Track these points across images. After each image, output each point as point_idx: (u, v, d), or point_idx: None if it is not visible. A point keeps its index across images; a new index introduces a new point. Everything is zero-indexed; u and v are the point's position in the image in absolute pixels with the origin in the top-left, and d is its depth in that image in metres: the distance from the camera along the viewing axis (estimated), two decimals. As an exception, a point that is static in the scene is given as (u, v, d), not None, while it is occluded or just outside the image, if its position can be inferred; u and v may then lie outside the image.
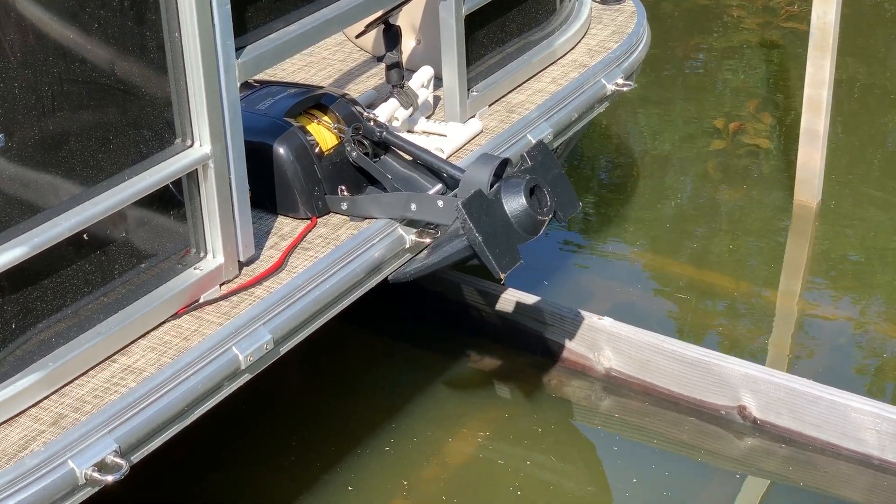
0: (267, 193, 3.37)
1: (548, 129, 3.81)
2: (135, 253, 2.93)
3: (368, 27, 3.72)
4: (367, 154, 3.43)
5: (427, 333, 4.29)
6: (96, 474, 2.59)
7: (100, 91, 2.74)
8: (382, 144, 3.45)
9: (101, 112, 2.76)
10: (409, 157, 3.47)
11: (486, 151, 3.52)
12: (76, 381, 2.80)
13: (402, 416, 3.91)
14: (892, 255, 4.71)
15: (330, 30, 3.32)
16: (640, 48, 4.29)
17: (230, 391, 2.93)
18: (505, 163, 3.25)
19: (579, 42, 4.28)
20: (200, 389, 2.84)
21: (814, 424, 3.69)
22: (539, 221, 3.13)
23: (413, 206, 3.29)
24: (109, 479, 2.60)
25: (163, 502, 3.62)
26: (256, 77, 3.49)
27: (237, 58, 2.99)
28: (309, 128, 3.42)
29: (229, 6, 2.90)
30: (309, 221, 3.37)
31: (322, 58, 4.29)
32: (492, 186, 3.16)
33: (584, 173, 5.42)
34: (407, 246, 3.35)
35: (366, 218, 3.37)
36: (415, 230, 3.35)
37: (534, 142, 3.65)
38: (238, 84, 3.01)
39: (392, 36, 3.69)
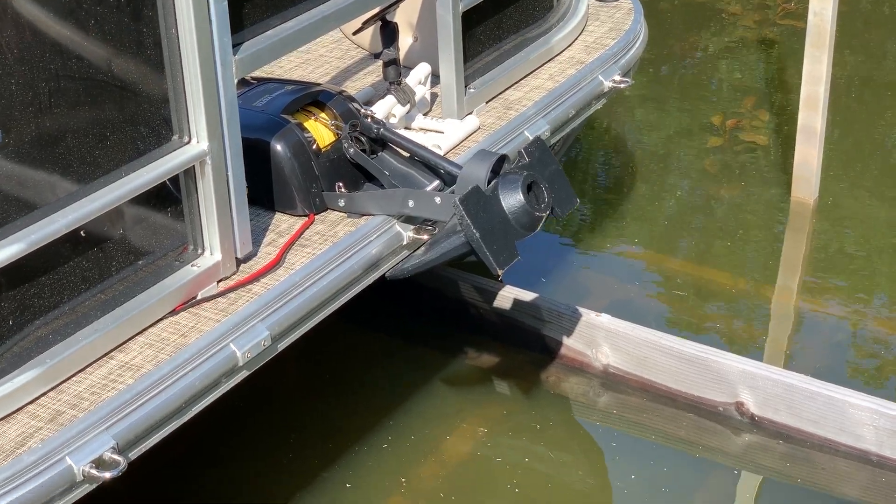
0: (264, 190, 3.37)
1: (545, 126, 3.81)
2: (132, 250, 2.93)
3: (365, 24, 3.72)
4: (364, 151, 3.43)
5: (425, 331, 4.29)
6: (94, 471, 2.59)
7: (97, 88, 2.74)
8: (380, 141, 3.45)
9: (98, 109, 2.75)
10: (406, 154, 3.48)
11: (484, 148, 3.52)
12: (74, 378, 2.80)
13: (400, 414, 3.91)
14: (889, 251, 4.71)
15: (327, 26, 3.32)
16: (637, 45, 4.29)
17: (228, 388, 2.94)
18: (502, 159, 3.25)
19: (576, 39, 4.28)
20: (198, 386, 2.84)
21: (811, 420, 3.69)
22: (536, 218, 3.13)
23: (410, 203, 3.29)
24: (107, 475, 2.60)
25: (160, 499, 3.62)
26: (254, 74, 3.50)
27: (234, 54, 2.99)
28: (306, 125, 3.42)
29: (226, 2, 2.90)
30: (306, 218, 3.37)
31: (319, 55, 4.29)
32: (489, 183, 3.16)
33: (581, 170, 5.42)
34: (404, 243, 3.35)
35: (363, 215, 3.37)
36: (412, 227, 3.35)
37: (531, 138, 3.65)
38: (235, 81, 3.01)
39: (389, 33, 3.69)
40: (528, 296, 4.11)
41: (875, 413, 3.59)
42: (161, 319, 2.98)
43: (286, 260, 3.21)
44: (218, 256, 3.08)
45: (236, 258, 3.14)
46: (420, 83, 3.83)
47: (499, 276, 3.10)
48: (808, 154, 4.87)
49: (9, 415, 2.69)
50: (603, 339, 3.99)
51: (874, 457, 3.62)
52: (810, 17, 4.64)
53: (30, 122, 2.61)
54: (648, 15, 4.59)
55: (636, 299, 4.48)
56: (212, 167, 2.98)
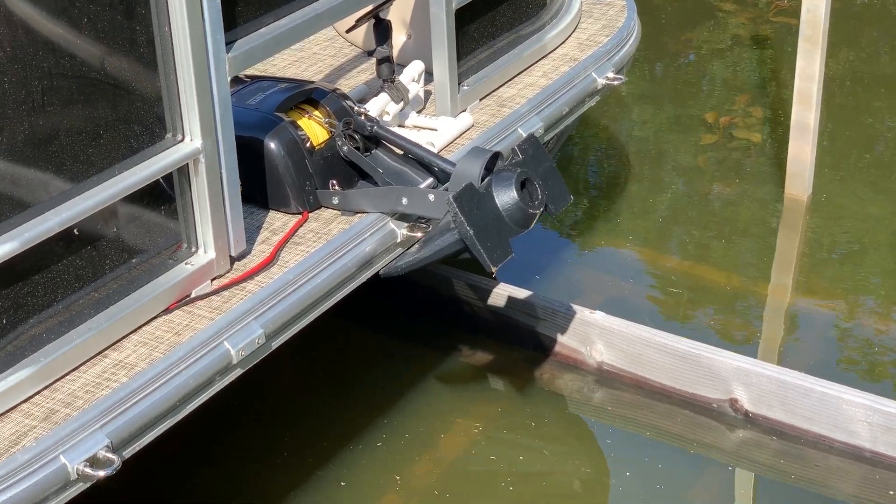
0: (258, 188, 3.36)
1: (539, 123, 3.81)
2: (126, 248, 2.92)
3: (359, 22, 3.72)
4: (358, 148, 3.43)
5: (419, 328, 4.29)
6: (88, 469, 2.58)
7: (90, 86, 2.74)
8: (373, 139, 3.45)
9: (91, 107, 2.75)
10: (400, 152, 3.47)
11: (477, 145, 3.51)
12: (67, 377, 2.79)
13: (395, 412, 3.91)
14: (882, 247, 4.72)
15: (320, 24, 3.32)
16: (630, 42, 4.29)
17: (222, 386, 2.93)
18: (496, 156, 3.25)
19: (570, 36, 4.28)
20: (192, 384, 2.83)
21: (805, 417, 3.69)
22: (530, 215, 3.13)
23: (404, 200, 3.29)
24: (101, 474, 2.60)
25: (155, 497, 3.62)
26: (247, 72, 3.49)
27: (227, 52, 2.99)
28: (300, 122, 3.42)
29: (219, 0, 2.89)
30: (300, 216, 3.36)
31: (313, 53, 4.29)
32: (483, 180, 3.16)
33: (575, 167, 5.42)
34: (398, 240, 3.35)
35: (357, 212, 3.37)
36: (406, 224, 3.35)
37: (525, 135, 3.65)
38: (228, 78, 3.00)
39: (382, 30, 3.68)
40: (522, 293, 4.11)
41: (869, 409, 3.60)
42: (155, 318, 2.98)
43: (280, 258, 3.21)
44: (212, 254, 3.07)
45: (230, 256, 3.14)
46: (414, 81, 3.83)
47: (493, 273, 3.10)
48: (802, 150, 4.87)
49: (3, 413, 2.68)
50: (597, 336, 3.99)
51: (868, 453, 3.62)
52: (803, 13, 4.64)
53: (23, 120, 2.61)
54: (642, 12, 4.59)
55: (630, 296, 4.49)
56: (205, 165, 2.97)
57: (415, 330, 4.28)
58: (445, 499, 3.62)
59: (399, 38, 4.04)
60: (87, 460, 2.59)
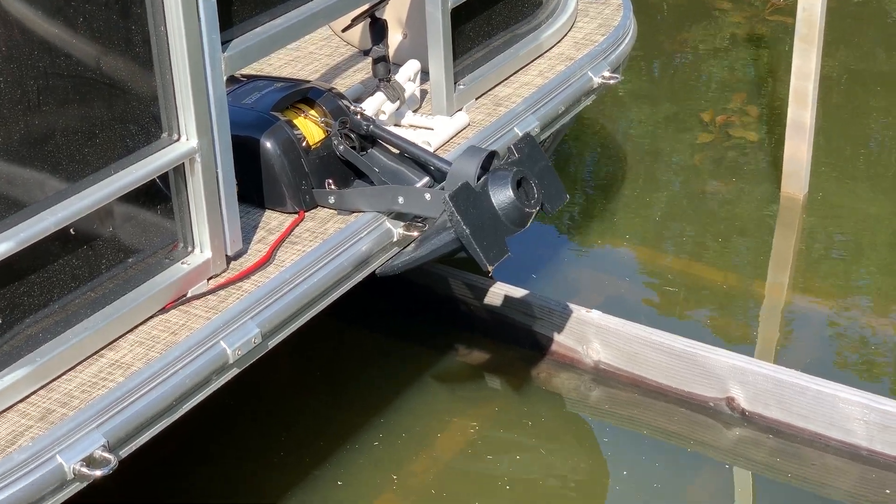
0: (254, 188, 3.36)
1: (535, 122, 3.82)
2: (122, 247, 2.92)
3: (354, 21, 3.72)
4: (354, 148, 3.43)
5: (415, 328, 4.29)
6: (85, 469, 2.58)
7: (86, 85, 2.74)
8: (369, 138, 3.45)
9: (87, 106, 2.75)
10: (396, 151, 3.48)
11: (474, 144, 3.52)
12: (64, 376, 2.79)
13: (391, 411, 3.91)
14: (879, 246, 4.72)
15: (316, 23, 3.32)
16: (626, 41, 4.30)
17: (218, 385, 2.93)
18: (492, 155, 3.25)
19: (566, 35, 4.29)
20: (188, 384, 2.83)
21: (801, 415, 3.70)
22: (526, 213, 3.13)
23: (400, 200, 3.29)
24: (98, 473, 2.60)
25: (151, 497, 3.62)
26: (243, 71, 3.49)
27: (223, 52, 2.99)
28: (296, 122, 3.42)
29: (215, 0, 2.89)
30: (296, 215, 3.36)
31: (309, 52, 4.29)
32: (479, 179, 3.17)
33: (572, 167, 5.42)
34: (394, 239, 3.35)
35: (353, 211, 3.37)
36: (402, 223, 3.35)
37: (521, 134, 3.65)
38: (224, 78, 3.00)
39: (378, 30, 3.69)
40: (518, 292, 4.11)
41: (865, 407, 3.60)
42: (151, 317, 2.98)
43: (276, 257, 3.21)
44: (208, 254, 3.07)
45: (226, 256, 3.14)
46: (409, 80, 3.83)
47: (489, 272, 3.10)
48: (798, 149, 4.88)
49: (-1, 413, 2.69)
50: (593, 335, 3.99)
51: (864, 451, 3.63)
52: (799, 12, 4.65)
53: (18, 119, 2.61)
54: (638, 11, 4.59)
55: (627, 295, 4.49)
56: (201, 164, 2.97)
57: (411, 329, 4.28)
58: (442, 498, 3.62)
59: (395, 37, 4.04)
60: (83, 460, 2.59)
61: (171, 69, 2.88)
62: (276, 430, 3.84)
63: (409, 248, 3.29)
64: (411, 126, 3.79)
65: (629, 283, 4.56)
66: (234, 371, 2.96)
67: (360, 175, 3.46)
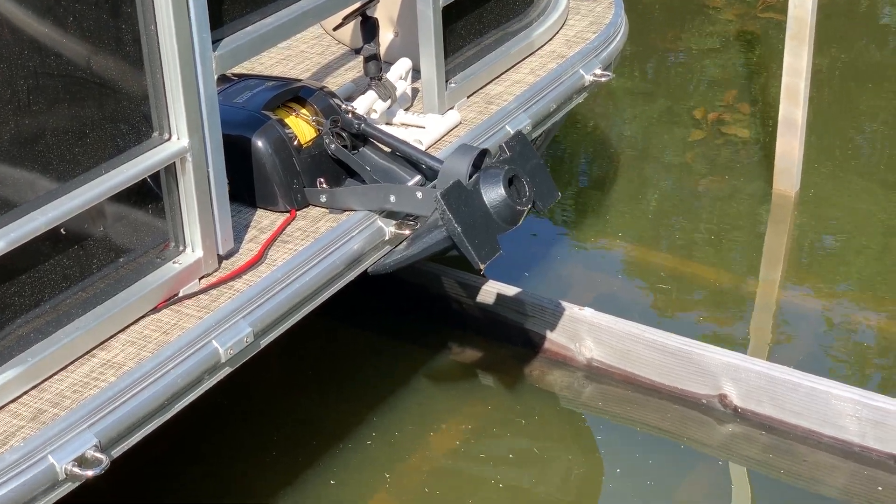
0: (246, 187, 3.36)
1: (526, 120, 3.81)
2: (113, 247, 2.92)
3: (346, 19, 3.72)
4: (345, 146, 3.43)
5: (408, 326, 4.29)
6: (76, 469, 2.58)
7: (76, 85, 2.73)
8: (361, 136, 3.45)
9: (78, 106, 2.74)
10: (387, 149, 3.47)
11: (465, 142, 3.52)
12: (55, 376, 2.78)
13: (384, 410, 3.91)
14: (870, 242, 4.73)
15: (306, 22, 3.31)
16: (617, 39, 4.30)
17: (210, 385, 2.92)
18: (483, 153, 3.25)
19: (557, 33, 4.29)
20: (180, 383, 2.83)
21: (794, 412, 3.70)
22: (518, 211, 3.13)
23: (392, 198, 3.28)
24: (90, 473, 2.59)
25: (143, 497, 3.61)
26: (234, 70, 3.49)
27: (214, 50, 2.98)
28: (287, 121, 3.42)
29: (205, -1, 2.89)
30: (288, 214, 3.36)
31: (300, 51, 4.29)
32: (470, 177, 3.16)
33: (564, 164, 5.42)
34: (386, 238, 3.34)
35: (345, 210, 3.37)
36: (394, 222, 3.35)
37: (512, 132, 3.65)
38: (215, 77, 3.00)
39: (369, 28, 3.68)
40: (511, 290, 4.11)
41: (857, 404, 3.60)
42: (143, 317, 2.97)
43: (268, 256, 3.20)
44: (199, 253, 3.07)
45: (218, 255, 3.13)
46: (401, 78, 3.82)
47: (481, 270, 3.11)
48: (790, 146, 4.88)
49: (-10, 414, 2.69)
50: (586, 332, 3.99)
51: (857, 447, 3.63)
52: (790, 9, 4.65)
53: (8, 119, 2.60)
54: (629, 9, 4.60)
55: (619, 293, 4.49)
56: (192, 164, 2.97)
57: (403, 328, 4.28)
58: (435, 496, 3.62)
59: (386, 35, 4.04)
60: (75, 460, 2.59)
61: (161, 68, 2.87)
62: (268, 429, 3.84)
63: (401, 247, 3.29)
64: (403, 124, 3.78)
65: (622, 280, 4.57)
66: (227, 370, 2.96)
67: (352, 174, 3.46)
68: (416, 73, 3.86)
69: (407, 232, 3.33)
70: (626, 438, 3.82)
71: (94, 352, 2.86)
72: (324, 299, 3.21)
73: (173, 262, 3.04)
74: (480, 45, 3.99)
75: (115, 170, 2.83)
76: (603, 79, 4.11)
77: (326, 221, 3.35)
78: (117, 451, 2.70)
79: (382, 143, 3.46)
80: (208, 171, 3.02)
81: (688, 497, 3.62)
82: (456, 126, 3.78)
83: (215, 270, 3.13)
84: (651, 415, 3.87)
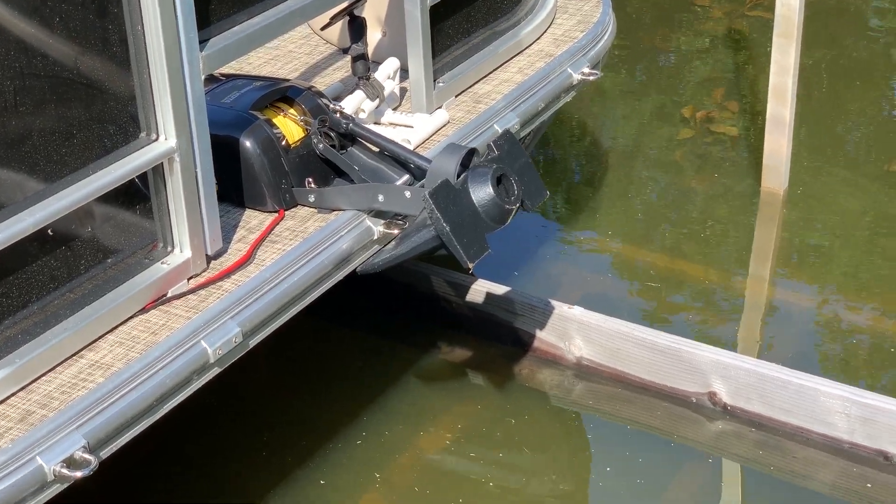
0: (234, 187, 3.35)
1: (514, 119, 3.82)
2: (101, 248, 2.91)
3: (333, 19, 3.72)
4: (333, 146, 3.43)
5: (397, 326, 4.29)
6: (65, 470, 2.57)
7: (62, 85, 2.72)
8: (349, 136, 3.45)
9: (64, 107, 2.74)
10: (375, 149, 3.47)
11: (453, 142, 3.52)
12: (43, 378, 2.78)
13: (374, 409, 3.90)
14: (858, 240, 4.73)
15: (293, 22, 3.31)
16: (605, 37, 4.30)
17: (199, 385, 2.92)
18: (472, 153, 3.25)
19: (545, 32, 4.29)
20: (169, 384, 2.82)
21: (784, 409, 3.70)
22: (506, 210, 3.14)
23: (380, 198, 3.28)
24: (78, 475, 2.59)
25: (133, 498, 3.60)
26: (222, 70, 3.48)
27: (201, 50, 2.98)
28: (275, 121, 3.41)
29: (192, -1, 2.89)
30: (276, 214, 3.36)
31: (288, 51, 4.28)
32: (459, 176, 3.16)
33: (553, 163, 5.42)
34: (375, 237, 3.34)
35: (333, 210, 3.37)
36: (383, 221, 3.35)
37: (500, 131, 3.65)
38: (202, 77, 2.99)
39: (357, 27, 3.68)
40: (500, 289, 4.11)
41: (847, 401, 3.61)
42: (131, 318, 2.97)
43: (256, 256, 3.20)
44: (188, 254, 3.06)
45: (206, 255, 3.13)
46: (389, 78, 3.82)
47: (469, 269, 3.11)
48: (778, 144, 4.89)
49: (-22, 415, 2.68)
50: (576, 331, 3.99)
51: (846, 444, 3.64)
52: (778, 7, 4.66)
53: (-5, 120, 2.60)
54: (617, 7, 4.60)
55: (609, 291, 4.49)
56: (180, 164, 2.96)
57: (393, 327, 4.28)
58: (426, 496, 3.62)
59: (374, 35, 4.04)
60: (63, 461, 2.58)
61: (148, 68, 2.87)
62: (258, 430, 3.83)
63: (390, 246, 3.29)
64: (391, 124, 3.78)
65: (611, 278, 4.57)
66: (215, 371, 2.96)
67: (340, 173, 3.46)
68: (403, 72, 3.85)
69: (395, 231, 3.33)
70: (617, 436, 3.82)
71: (82, 353, 2.86)
72: (312, 299, 3.21)
73: (161, 263, 3.03)
74: (468, 44, 3.99)
75: (103, 170, 2.82)
76: (591, 77, 4.11)
77: (315, 221, 3.34)
78: (106, 453, 2.69)
79: (370, 143, 3.46)
80: (196, 172, 3.02)
81: (678, 494, 3.63)
82: (444, 125, 3.78)
83: (204, 271, 3.12)
84: (641, 413, 3.87)
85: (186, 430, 3.71)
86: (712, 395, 3.80)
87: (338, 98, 3.70)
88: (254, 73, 4.12)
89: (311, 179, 3.40)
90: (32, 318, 2.77)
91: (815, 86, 5.87)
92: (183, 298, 3.03)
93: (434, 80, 3.80)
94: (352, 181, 3.42)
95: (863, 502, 3.54)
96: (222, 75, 3.60)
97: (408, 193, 3.24)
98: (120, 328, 2.94)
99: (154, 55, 2.85)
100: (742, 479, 3.72)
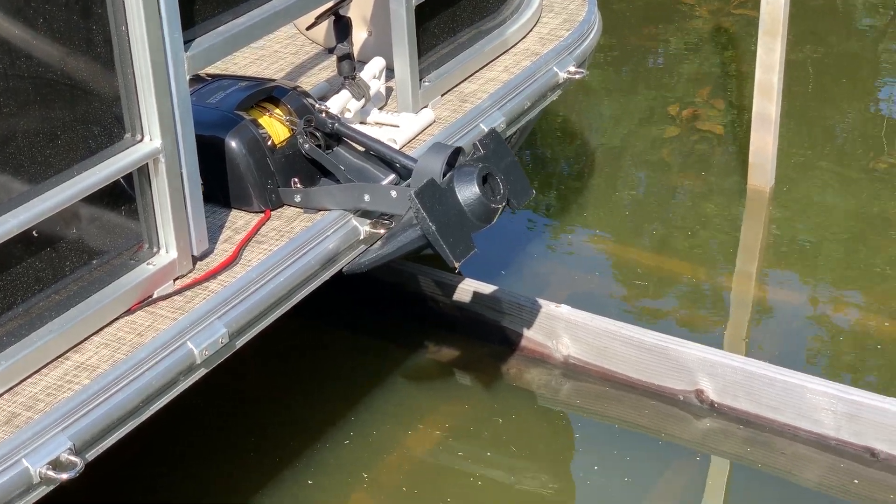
0: (220, 187, 3.35)
1: (500, 118, 3.82)
2: (86, 249, 2.91)
3: (318, 19, 3.71)
4: (319, 146, 3.42)
5: (384, 325, 4.29)
6: (51, 472, 2.57)
7: (47, 87, 2.72)
8: (335, 136, 3.44)
9: (49, 108, 2.73)
10: (361, 149, 3.47)
11: (439, 141, 3.51)
12: (29, 380, 2.77)
13: (361, 409, 3.90)
14: (844, 237, 4.74)
15: (278, 22, 3.31)
16: (591, 36, 4.30)
17: (186, 386, 2.92)
18: (457, 152, 3.25)
19: (531, 30, 4.29)
20: (155, 385, 2.82)
21: (770, 406, 3.71)
22: (492, 209, 3.14)
23: (366, 197, 3.28)
24: (64, 476, 2.58)
25: (121, 499, 3.60)
26: (208, 70, 3.48)
27: (186, 51, 2.97)
28: (261, 121, 3.41)
29: (176, -1, 2.89)
30: (262, 214, 3.35)
31: (274, 51, 4.28)
32: (445, 176, 3.16)
33: (539, 162, 5.42)
34: (361, 237, 3.34)
35: (320, 210, 3.36)
36: (369, 221, 3.35)
37: (486, 130, 3.65)
38: (187, 77, 2.99)
39: (342, 27, 3.68)
40: (487, 288, 4.11)
41: (833, 398, 3.61)
42: (117, 319, 2.96)
43: (243, 256, 3.20)
44: (174, 254, 3.06)
45: (192, 256, 3.13)
46: (375, 77, 3.82)
47: (455, 268, 3.10)
48: (764, 142, 4.90)
49: (-36, 418, 2.67)
50: (563, 329, 4.00)
51: (833, 441, 3.64)
52: (763, 4, 4.66)
53: (-21, 122, 2.59)
54: (603, 6, 4.60)
55: (596, 290, 4.50)
56: (165, 165, 2.96)
57: (380, 327, 4.28)
58: (414, 496, 3.62)
59: (359, 34, 4.04)
60: (49, 463, 2.57)
61: (133, 69, 2.86)
62: (246, 430, 3.83)
63: (376, 246, 3.29)
64: (377, 123, 3.78)
65: (598, 277, 4.57)
66: (202, 371, 2.95)
67: (326, 173, 3.45)
68: (389, 71, 3.85)
69: (381, 231, 3.32)
70: (604, 435, 3.83)
71: (67, 354, 2.85)
72: (299, 299, 3.21)
73: (147, 264, 3.03)
74: (454, 43, 3.99)
75: (88, 171, 2.82)
76: (577, 76, 4.12)
77: (301, 221, 3.34)
78: (92, 454, 2.69)
79: (356, 143, 3.46)
80: (181, 172, 3.01)
81: (666, 492, 3.63)
82: (430, 125, 3.78)
83: (190, 271, 3.12)
84: (628, 411, 3.87)
85: (174, 430, 3.71)
86: (699, 393, 3.80)
87: (323, 98, 3.70)
88: (239, 73, 4.11)
89: (296, 179, 3.40)
90: (17, 319, 2.76)
91: (802, 83, 5.88)
92: (169, 299, 3.03)
93: (420, 80, 3.80)
94: (338, 181, 3.41)
95: (850, 498, 3.55)
96: (208, 75, 3.59)
97: (394, 193, 3.24)
98: (106, 329, 2.93)
99: (138, 56, 2.85)
100: (730, 476, 3.73)
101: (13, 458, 2.55)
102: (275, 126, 3.42)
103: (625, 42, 6.39)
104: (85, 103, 2.80)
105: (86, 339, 2.89)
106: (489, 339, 4.13)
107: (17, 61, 2.63)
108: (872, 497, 3.53)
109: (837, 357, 4.13)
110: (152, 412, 2.84)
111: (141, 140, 2.93)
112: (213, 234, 3.26)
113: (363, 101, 3.72)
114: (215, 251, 3.21)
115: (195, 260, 3.14)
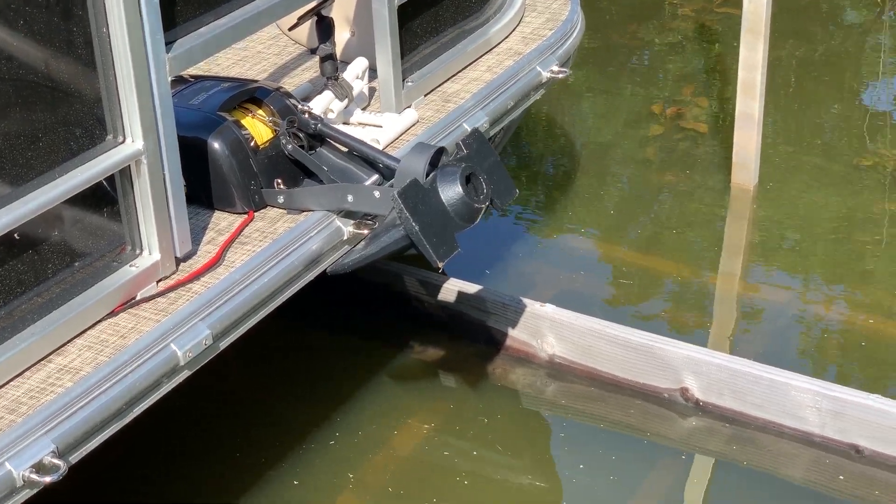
0: (202, 188, 3.34)
1: (483, 118, 3.82)
2: (69, 251, 2.90)
3: (301, 19, 3.71)
4: (302, 147, 3.42)
5: (369, 325, 4.28)
6: (34, 476, 2.56)
7: (27, 89, 2.71)
8: (318, 137, 3.44)
9: (30, 110, 2.72)
10: (344, 149, 3.47)
11: (422, 141, 3.51)
12: (11, 383, 2.77)
13: (347, 409, 3.90)
14: (827, 235, 4.75)
15: (261, 22, 3.30)
16: (574, 35, 4.31)
17: (169, 388, 2.91)
18: (440, 152, 3.25)
19: (514, 30, 4.29)
20: (139, 387, 2.81)
21: (755, 404, 3.72)
22: (475, 209, 3.14)
23: (350, 198, 3.28)
24: (47, 479, 2.58)
25: (107, 500, 3.59)
26: (190, 72, 3.47)
27: (167, 52, 2.97)
28: (244, 122, 3.41)
29: (157, 0, 2.87)
30: (246, 216, 3.35)
31: (257, 52, 4.27)
32: (428, 176, 3.16)
33: (523, 161, 5.43)
34: (345, 238, 3.34)
35: (303, 211, 3.36)
36: (352, 221, 3.35)
37: (469, 130, 3.65)
38: (169, 78, 2.98)
39: (325, 28, 3.67)
40: (472, 288, 4.11)
41: (817, 395, 3.62)
42: (100, 321, 2.95)
43: (226, 258, 3.19)
44: (157, 256, 3.05)
45: (175, 257, 3.12)
46: (357, 78, 3.82)
47: (439, 268, 3.10)
48: (747, 140, 4.90)
49: (-54, 422, 2.66)
50: (548, 329, 4.00)
51: (817, 438, 3.65)
52: (745, 3, 4.67)
53: (-41, 124, 2.59)
54: (586, 5, 4.61)
55: (581, 289, 4.50)
56: (148, 166, 2.95)
57: (365, 327, 4.27)
58: (399, 496, 3.61)
59: (342, 35, 4.03)
60: (32, 466, 2.57)
61: (114, 71, 2.86)
62: (232, 431, 3.82)
63: (360, 247, 3.28)
64: (360, 124, 3.78)
65: (583, 276, 4.57)
66: (186, 373, 2.95)
67: (310, 174, 3.45)
68: (372, 72, 3.85)
69: (365, 231, 3.32)
70: (590, 434, 3.83)
71: (50, 357, 2.84)
72: (283, 300, 3.20)
73: (130, 266, 3.02)
74: (437, 43, 3.99)
75: (69, 173, 2.81)
76: (560, 75, 4.12)
77: (284, 222, 3.34)
78: (75, 457, 2.68)
79: (339, 143, 3.46)
80: (164, 174, 3.01)
81: (652, 490, 3.63)
82: (413, 125, 3.78)
83: (173, 273, 3.11)
84: (614, 410, 3.88)
85: (158, 432, 3.70)
86: (684, 391, 3.81)
87: (306, 98, 3.69)
88: (222, 74, 4.11)
89: (280, 180, 3.39)
90: (-1, 322, 2.76)
91: (785, 81, 5.89)
92: (152, 301, 3.02)
93: (403, 80, 3.80)
94: (321, 182, 3.41)
95: (835, 495, 3.55)
96: (190, 76, 3.58)
97: (377, 193, 3.24)
98: (88, 332, 2.92)
99: (120, 57, 2.84)
100: (715, 473, 3.73)
101: (-4, 461, 2.55)
102: (258, 127, 3.41)
103: (608, 40, 6.39)
104: (66, 105, 2.79)
105: (69, 341, 2.89)
106: (474, 338, 4.13)
107: (-3, 63, 2.63)
108: (857, 494, 3.54)
109: (822, 354, 4.14)
110: (136, 414, 2.83)
111: (123, 142, 2.93)
112: (197, 235, 3.25)
113: (346, 101, 3.72)
114: (198, 253, 3.21)
115: (178, 261, 3.14)
